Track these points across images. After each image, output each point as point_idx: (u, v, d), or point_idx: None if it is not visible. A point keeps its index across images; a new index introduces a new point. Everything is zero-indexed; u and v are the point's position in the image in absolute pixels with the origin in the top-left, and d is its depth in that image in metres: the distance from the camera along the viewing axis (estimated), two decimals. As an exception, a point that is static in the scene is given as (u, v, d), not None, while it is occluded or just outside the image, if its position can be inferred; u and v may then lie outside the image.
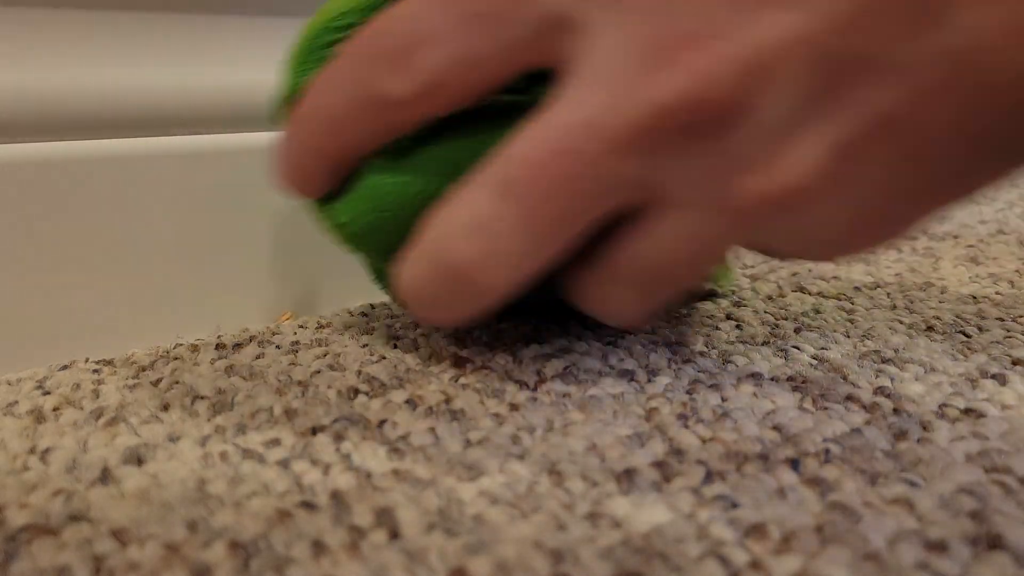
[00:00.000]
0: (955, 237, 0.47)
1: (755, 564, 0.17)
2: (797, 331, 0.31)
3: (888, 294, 0.36)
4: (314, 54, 0.25)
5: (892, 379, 0.27)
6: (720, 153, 0.19)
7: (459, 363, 0.28)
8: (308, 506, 0.19)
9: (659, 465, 0.21)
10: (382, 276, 0.30)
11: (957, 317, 0.33)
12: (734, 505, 0.19)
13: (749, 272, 0.40)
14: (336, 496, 0.20)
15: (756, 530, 0.18)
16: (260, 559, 0.17)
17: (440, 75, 0.21)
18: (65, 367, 0.28)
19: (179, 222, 0.30)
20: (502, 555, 0.18)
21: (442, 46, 0.21)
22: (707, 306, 0.34)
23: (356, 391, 0.26)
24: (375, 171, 0.24)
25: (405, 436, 0.23)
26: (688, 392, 0.26)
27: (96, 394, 0.26)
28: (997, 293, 0.36)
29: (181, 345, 0.30)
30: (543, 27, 0.20)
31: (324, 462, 0.21)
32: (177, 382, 0.26)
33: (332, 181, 0.25)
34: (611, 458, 0.22)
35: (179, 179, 0.30)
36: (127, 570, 0.17)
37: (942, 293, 0.36)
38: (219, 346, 0.30)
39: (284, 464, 0.21)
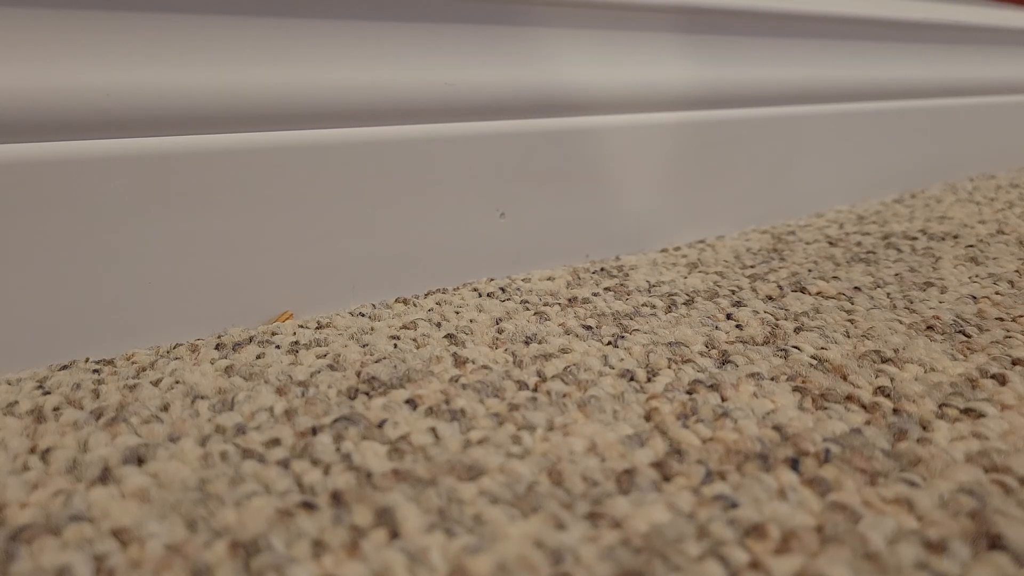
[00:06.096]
0: (955, 237, 0.47)
1: (755, 564, 0.17)
2: (797, 331, 0.31)
3: (888, 294, 0.36)
4: None
5: (892, 379, 0.27)
6: None
7: (459, 363, 0.28)
8: (308, 506, 0.19)
9: (659, 465, 0.21)
10: None
11: (957, 317, 0.33)
12: (734, 505, 0.19)
13: (749, 272, 0.40)
14: (336, 496, 0.20)
15: (756, 530, 0.18)
16: (260, 559, 0.17)
17: None
18: (65, 367, 0.28)
19: (179, 222, 0.30)
20: (502, 555, 0.18)
21: None
22: (707, 306, 0.34)
23: (356, 391, 0.26)
24: None
25: (405, 436, 0.23)
26: (688, 392, 0.26)
27: (96, 394, 0.26)
28: (997, 293, 0.36)
29: (181, 345, 0.30)
30: None
31: (324, 462, 0.21)
32: (177, 382, 0.26)
33: None
34: (611, 458, 0.22)
35: (179, 179, 0.30)
36: (128, 569, 0.17)
37: (942, 293, 0.36)
38: (219, 346, 0.30)
39: (284, 464, 0.21)
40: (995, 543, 0.18)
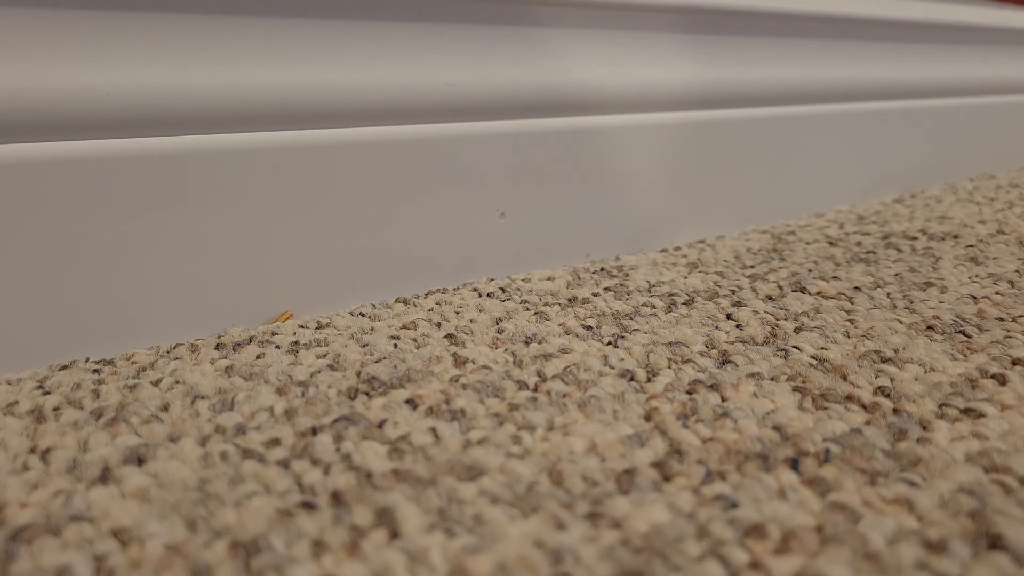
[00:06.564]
0: (955, 237, 0.47)
1: (755, 564, 0.17)
2: (797, 331, 0.31)
3: (888, 294, 0.36)
4: None
5: (892, 379, 0.27)
6: None
7: (459, 363, 0.28)
8: (308, 506, 0.19)
9: (659, 465, 0.21)
10: None
11: (957, 317, 0.33)
12: (734, 505, 0.19)
13: (749, 272, 0.40)
14: (336, 496, 0.20)
15: (756, 530, 0.18)
16: (260, 559, 0.17)
17: None
18: (65, 367, 0.28)
19: (179, 222, 0.30)
20: (502, 555, 0.18)
21: None
22: (707, 306, 0.34)
23: (356, 391, 0.26)
24: None
25: (405, 436, 0.23)
26: (688, 392, 0.26)
27: (96, 394, 0.26)
28: (997, 293, 0.36)
29: (181, 345, 0.30)
30: None
31: (324, 462, 0.21)
32: (177, 382, 0.26)
33: None
34: (611, 458, 0.22)
35: (179, 179, 0.30)
36: (128, 569, 0.17)
37: (942, 293, 0.36)
38: (219, 346, 0.30)
39: (284, 464, 0.21)
40: (995, 543, 0.18)
